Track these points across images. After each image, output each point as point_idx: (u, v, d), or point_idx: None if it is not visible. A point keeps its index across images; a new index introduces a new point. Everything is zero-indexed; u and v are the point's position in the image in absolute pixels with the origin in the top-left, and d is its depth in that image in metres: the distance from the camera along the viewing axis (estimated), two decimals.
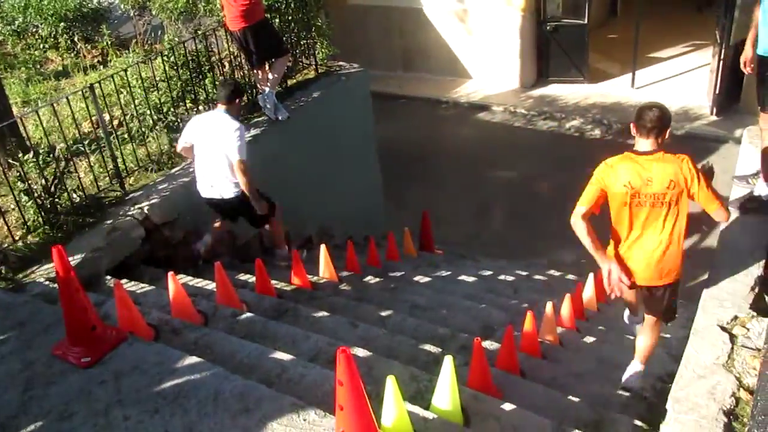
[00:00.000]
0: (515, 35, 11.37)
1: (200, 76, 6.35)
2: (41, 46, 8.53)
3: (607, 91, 11.45)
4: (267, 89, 6.15)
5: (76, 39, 8.34)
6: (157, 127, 5.80)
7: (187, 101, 6.29)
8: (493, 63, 11.92)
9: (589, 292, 5.75)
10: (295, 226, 6.67)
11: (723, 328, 3.40)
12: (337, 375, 2.38)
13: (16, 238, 4.61)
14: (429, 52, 12.44)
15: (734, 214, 4.33)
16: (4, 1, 8.84)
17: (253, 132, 6.10)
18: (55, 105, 5.22)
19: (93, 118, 5.51)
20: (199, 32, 6.53)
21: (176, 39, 6.69)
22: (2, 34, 8.78)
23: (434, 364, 3.53)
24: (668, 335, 5.18)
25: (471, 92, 12.07)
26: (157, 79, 6.08)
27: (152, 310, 4.03)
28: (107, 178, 5.32)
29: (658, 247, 3.39)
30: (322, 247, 5.41)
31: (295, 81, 7.19)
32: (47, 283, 4.27)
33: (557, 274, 7.17)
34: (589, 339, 4.98)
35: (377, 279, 5.69)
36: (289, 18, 7.02)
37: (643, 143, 3.41)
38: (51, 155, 4.82)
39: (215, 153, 4.70)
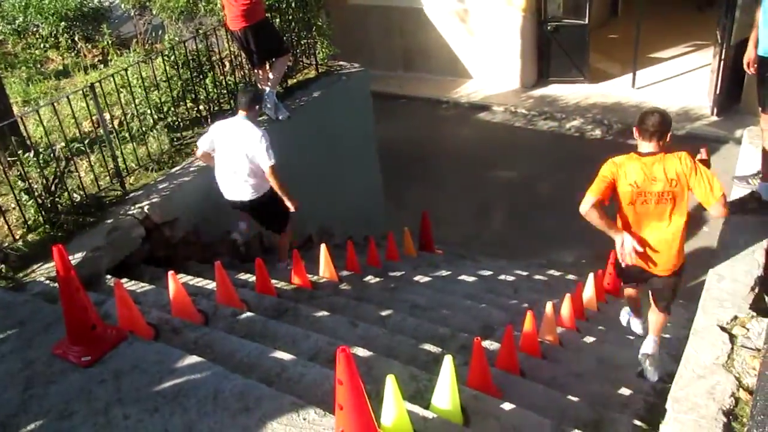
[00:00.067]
0: (516, 35, 11.37)
1: (201, 76, 6.35)
2: (42, 45, 8.53)
3: (607, 91, 11.45)
4: (267, 89, 6.15)
5: (76, 38, 8.34)
6: (157, 127, 5.80)
7: (188, 101, 6.29)
8: (493, 63, 11.92)
9: (589, 292, 5.75)
10: (296, 225, 6.68)
11: (723, 329, 3.40)
12: (337, 374, 2.38)
13: (17, 237, 4.61)
14: (429, 52, 12.44)
15: (734, 214, 4.34)
16: (4, 1, 8.84)
17: None
18: (55, 104, 5.21)
19: (93, 118, 5.52)
20: (200, 32, 6.53)
21: (177, 38, 6.69)
22: (3, 33, 8.78)
23: (434, 364, 3.53)
24: (668, 335, 5.19)
25: (471, 92, 12.07)
26: (158, 78, 6.08)
27: (152, 309, 4.03)
28: (108, 178, 5.32)
29: (665, 240, 3.63)
30: (323, 246, 5.41)
31: (295, 80, 7.19)
32: (48, 282, 4.27)
33: (557, 274, 7.18)
34: (589, 339, 4.98)
35: (377, 279, 5.69)
36: (290, 17, 7.03)
37: (646, 146, 3.64)
38: (51, 154, 4.82)
39: (237, 159, 4.83)
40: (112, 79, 5.75)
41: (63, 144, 5.08)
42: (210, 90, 6.37)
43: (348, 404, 2.43)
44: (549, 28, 11.37)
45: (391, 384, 2.58)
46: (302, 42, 7.31)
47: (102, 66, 7.74)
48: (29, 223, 4.68)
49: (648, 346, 4.15)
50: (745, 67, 4.35)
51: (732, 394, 2.98)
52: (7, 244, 4.55)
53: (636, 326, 4.69)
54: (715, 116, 10.24)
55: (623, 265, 3.81)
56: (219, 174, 5.02)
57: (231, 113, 6.36)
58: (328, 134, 7.01)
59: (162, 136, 5.78)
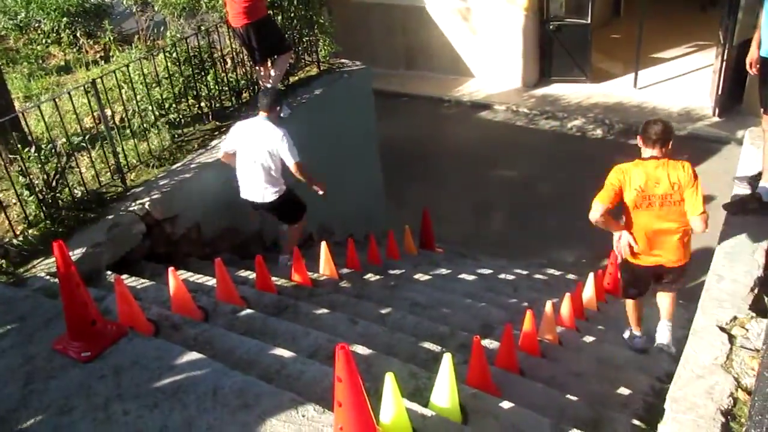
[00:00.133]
0: (518, 34, 11.36)
1: (202, 73, 6.35)
2: (43, 41, 8.53)
3: (609, 91, 11.44)
4: (269, 86, 6.15)
5: (78, 34, 8.34)
6: (158, 123, 5.81)
7: (189, 97, 6.29)
8: (495, 62, 11.91)
9: (589, 291, 5.75)
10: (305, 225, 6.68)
11: (722, 329, 3.41)
12: (336, 371, 2.38)
13: (18, 232, 4.62)
14: (431, 51, 12.43)
15: (734, 214, 4.34)
16: None
17: None
18: (57, 100, 5.22)
19: (95, 114, 5.51)
20: (202, 28, 6.53)
21: (179, 35, 6.69)
22: (5, 28, 8.77)
23: (433, 362, 3.53)
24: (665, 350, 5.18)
25: (473, 91, 12.06)
26: (159, 75, 6.08)
27: (152, 305, 4.04)
28: (108, 174, 5.32)
29: (671, 239, 3.93)
30: (323, 244, 5.42)
31: (297, 78, 7.19)
32: (48, 277, 4.28)
33: (557, 273, 7.18)
34: (589, 338, 4.98)
35: (377, 276, 5.69)
36: (292, 15, 7.02)
37: (650, 152, 3.96)
38: (52, 150, 4.83)
39: (258, 159, 4.94)
40: (113, 75, 5.76)
41: (64, 140, 5.09)
42: (211, 87, 6.37)
43: (347, 401, 2.43)
44: (551, 27, 11.36)
45: (390, 381, 2.59)
46: (304, 39, 7.31)
47: (103, 62, 7.74)
48: (30, 218, 4.68)
49: (664, 335, 4.42)
50: (747, 67, 4.35)
51: (730, 394, 2.98)
52: (7, 239, 4.56)
53: (637, 342, 4.72)
54: (716, 117, 10.24)
55: (618, 257, 4.16)
56: (239, 174, 5.12)
57: (233, 110, 6.39)
58: (330, 132, 7.01)
59: (163, 133, 5.79)
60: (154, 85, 6.04)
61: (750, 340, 3.31)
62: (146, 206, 5.01)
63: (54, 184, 4.74)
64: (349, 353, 2.36)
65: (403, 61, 12.84)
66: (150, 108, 5.87)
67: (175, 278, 3.92)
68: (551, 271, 7.25)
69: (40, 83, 7.29)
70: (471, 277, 6.37)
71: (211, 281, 4.66)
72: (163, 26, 7.95)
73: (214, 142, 5.91)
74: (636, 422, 3.47)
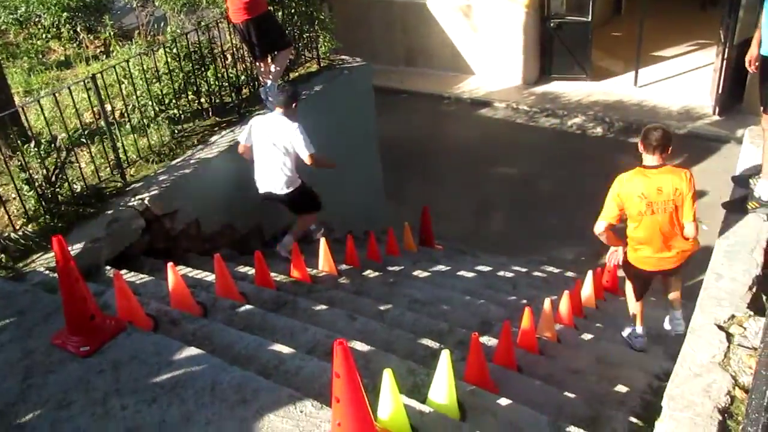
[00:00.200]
0: (518, 32, 11.35)
1: (202, 68, 6.34)
2: (44, 35, 8.51)
3: (609, 89, 11.44)
4: (269, 82, 6.15)
5: (78, 29, 8.33)
6: (158, 119, 5.80)
7: (189, 93, 6.29)
8: (495, 59, 11.90)
9: (587, 289, 5.75)
10: (295, 219, 6.68)
11: (720, 327, 3.41)
12: (334, 367, 2.38)
13: (17, 227, 4.62)
14: (432, 48, 12.42)
15: (733, 213, 4.34)
16: None
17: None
18: (56, 95, 5.21)
19: (95, 109, 5.51)
20: (202, 24, 6.53)
21: (179, 30, 6.68)
22: (5, 23, 8.76)
23: (432, 359, 3.54)
24: (672, 330, 5.18)
25: (473, 88, 12.06)
26: (159, 70, 6.08)
27: (151, 300, 4.04)
28: (108, 169, 5.32)
29: (675, 242, 4.14)
30: (322, 240, 5.42)
31: (297, 74, 7.18)
32: (47, 272, 4.28)
33: (556, 271, 7.19)
34: (587, 336, 4.99)
35: (376, 273, 5.69)
36: (292, 11, 7.02)
37: (650, 159, 4.08)
38: (52, 145, 4.83)
39: (273, 153, 5.19)
40: (113, 70, 5.75)
41: (64, 135, 5.08)
42: (212, 83, 6.36)
43: (345, 397, 2.43)
44: (552, 24, 11.35)
45: (388, 378, 2.59)
46: (304, 35, 7.30)
47: (104, 57, 7.73)
48: (29, 213, 4.68)
49: (678, 324, 4.67)
50: (746, 65, 4.35)
51: (728, 392, 2.99)
52: (7, 234, 4.56)
53: (639, 342, 4.78)
54: (717, 116, 10.24)
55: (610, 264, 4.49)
56: (256, 167, 5.36)
57: (233, 106, 6.38)
58: (330, 128, 7.00)
59: (163, 128, 5.79)
60: (154, 80, 6.04)
61: (748, 338, 3.31)
62: (146, 201, 5.01)
63: (53, 179, 4.74)
64: (348, 349, 2.36)
65: (403, 57, 12.82)
66: (150, 103, 5.86)
67: (174, 273, 3.93)
68: (550, 268, 7.26)
69: (40, 78, 7.28)
70: (470, 274, 6.37)
71: (210, 277, 4.66)
72: (163, 22, 7.94)
73: (213, 138, 5.91)
74: (633, 420, 3.47)
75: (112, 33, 7.65)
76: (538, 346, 4.34)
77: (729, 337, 3.34)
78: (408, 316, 4.54)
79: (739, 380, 3.05)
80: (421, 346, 3.91)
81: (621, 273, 6.18)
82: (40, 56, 8.13)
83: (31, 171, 4.66)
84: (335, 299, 4.71)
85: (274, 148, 5.18)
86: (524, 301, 5.30)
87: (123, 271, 4.46)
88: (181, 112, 6.05)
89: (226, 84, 6.53)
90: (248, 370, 3.14)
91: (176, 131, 5.90)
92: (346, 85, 7.22)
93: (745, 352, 3.22)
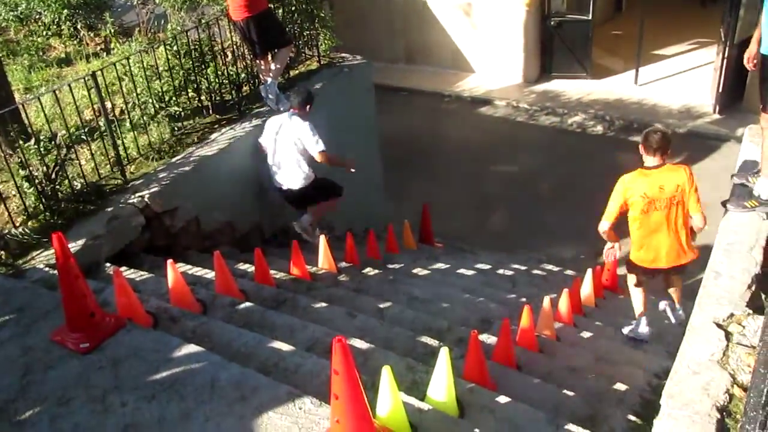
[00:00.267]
0: (519, 30, 11.34)
1: (203, 66, 6.34)
2: (44, 33, 8.51)
3: (610, 87, 11.43)
4: (269, 79, 6.15)
5: (79, 26, 8.32)
6: (158, 116, 5.80)
7: (189, 90, 6.29)
8: (496, 57, 11.89)
9: (587, 287, 5.76)
10: (296, 216, 6.68)
11: (719, 326, 3.41)
12: (333, 364, 2.39)
13: (17, 224, 4.63)
14: (432, 46, 12.41)
15: (733, 212, 4.34)
16: None
17: (254, 122, 6.10)
18: (57, 92, 5.21)
19: (95, 106, 5.51)
20: (202, 21, 6.52)
21: (179, 28, 6.68)
22: (5, 20, 8.75)
23: (431, 356, 3.54)
24: (675, 320, 5.17)
25: (474, 86, 12.05)
26: (160, 67, 6.07)
27: (151, 297, 4.05)
28: (108, 166, 5.32)
29: (675, 237, 4.30)
30: (322, 237, 5.43)
31: (297, 72, 7.18)
32: (47, 269, 4.28)
33: (556, 269, 7.19)
34: (586, 334, 4.99)
35: (376, 271, 5.70)
36: (293, 8, 7.01)
37: (651, 160, 4.27)
38: (52, 142, 4.83)
39: (287, 151, 5.51)
40: (114, 67, 5.75)
41: (64, 132, 5.09)
42: (212, 80, 6.36)
43: (343, 394, 2.44)
44: (552, 23, 11.34)
45: (387, 375, 2.59)
46: (305, 33, 7.29)
47: (104, 54, 7.73)
48: (29, 210, 4.69)
49: (679, 315, 4.90)
50: (745, 62, 4.35)
51: (726, 390, 2.99)
52: (7, 230, 4.56)
53: (643, 327, 4.86)
54: (717, 114, 10.23)
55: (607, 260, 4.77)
56: (271, 165, 5.67)
57: (233, 103, 6.38)
58: (330, 126, 6.98)
59: (163, 126, 5.79)
60: (154, 77, 6.03)
61: (746, 336, 3.32)
62: (146, 199, 5.01)
63: (54, 176, 4.74)
64: (346, 346, 2.36)
65: (404, 55, 12.82)
66: (150, 101, 5.86)
67: (174, 271, 3.93)
68: (550, 266, 7.26)
69: (40, 75, 7.28)
70: (470, 272, 6.38)
71: (210, 274, 4.67)
72: (163, 19, 7.93)
73: (214, 135, 5.91)
74: (632, 418, 3.48)
75: (112, 30, 7.63)
76: (537, 344, 4.35)
77: (728, 335, 3.34)
78: (407, 314, 4.54)
79: (737, 378, 3.05)
80: (421, 344, 3.92)
81: (620, 271, 6.20)
82: (41, 53, 8.13)
83: (31, 168, 4.66)
84: (335, 297, 4.72)
85: (287, 146, 5.48)
86: (524, 299, 5.30)
87: (123, 269, 4.46)
88: (181, 109, 6.04)
89: (227, 81, 6.53)
90: (247, 367, 3.15)
91: (176, 129, 5.90)
92: (346, 83, 7.22)
93: (744, 351, 3.22)
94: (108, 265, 4.64)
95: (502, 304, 5.31)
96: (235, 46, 6.73)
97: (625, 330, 4.96)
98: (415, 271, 6.11)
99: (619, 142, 9.92)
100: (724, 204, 4.52)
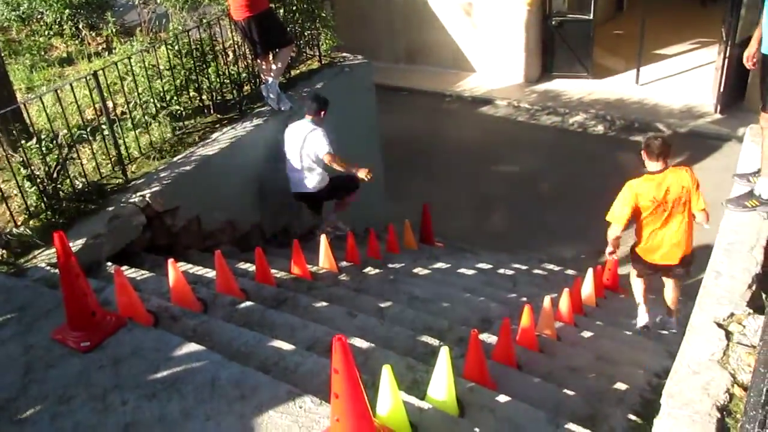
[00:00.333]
0: (520, 30, 11.34)
1: (204, 65, 6.35)
2: (46, 32, 8.53)
3: (611, 87, 11.42)
4: (270, 79, 6.16)
5: (80, 26, 8.34)
6: (160, 116, 5.81)
7: (191, 90, 6.29)
8: (497, 57, 11.89)
9: (587, 287, 5.76)
10: (296, 216, 6.69)
11: (719, 325, 3.41)
12: (333, 363, 2.39)
13: (19, 223, 4.64)
14: (433, 45, 12.41)
15: (733, 212, 4.34)
16: None
17: (255, 122, 6.11)
18: (58, 91, 5.23)
19: (96, 105, 5.52)
20: (204, 21, 6.53)
21: (180, 27, 6.69)
22: (7, 20, 8.77)
23: (431, 356, 3.54)
24: (665, 332, 5.20)
25: (475, 86, 12.05)
26: (161, 67, 6.08)
27: (152, 296, 4.05)
28: (109, 165, 5.33)
29: (680, 235, 4.55)
30: (323, 237, 5.43)
31: (298, 71, 7.19)
32: (48, 268, 4.29)
33: (557, 268, 7.19)
34: (587, 334, 4.99)
35: (377, 270, 5.71)
36: (294, 8, 7.02)
37: (654, 165, 4.50)
38: (54, 141, 4.84)
39: (303, 154, 5.71)
40: (115, 67, 5.76)
41: (65, 131, 5.09)
42: (213, 80, 6.37)
43: (344, 393, 2.44)
44: (553, 22, 11.34)
45: (387, 374, 2.60)
46: (306, 33, 7.30)
47: (106, 54, 7.74)
48: (31, 209, 4.70)
49: (670, 327, 5.11)
50: (744, 61, 4.35)
51: (726, 390, 2.99)
52: (8, 229, 4.57)
53: (642, 312, 5.10)
54: (718, 114, 10.21)
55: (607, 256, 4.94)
56: (288, 170, 5.87)
57: (234, 103, 6.39)
58: (331, 126, 7.01)
59: (164, 125, 5.80)
60: (155, 77, 6.04)
61: (747, 336, 3.31)
62: (147, 198, 5.02)
63: (55, 175, 4.75)
64: (346, 345, 2.37)
65: (405, 55, 12.82)
66: (151, 100, 5.87)
67: (175, 270, 3.94)
68: (551, 266, 7.26)
69: (42, 75, 7.30)
70: (470, 272, 6.38)
71: (211, 273, 4.68)
72: (165, 18, 7.95)
73: (215, 135, 5.92)
74: (632, 417, 3.48)
75: (114, 30, 7.65)
76: (537, 343, 4.35)
77: (728, 335, 3.34)
78: (408, 313, 4.55)
79: (737, 378, 3.05)
80: (421, 343, 3.92)
81: (621, 271, 6.21)
82: (43, 53, 8.14)
83: (33, 167, 4.67)
84: (335, 296, 4.72)
85: (303, 151, 5.68)
86: (524, 299, 5.30)
87: (124, 268, 4.46)
88: (182, 108, 6.06)
89: (228, 81, 6.54)
90: (248, 366, 3.16)
91: (177, 128, 5.91)
92: (347, 83, 7.22)
93: (744, 350, 3.22)
94: (109, 264, 4.65)
95: (503, 304, 5.31)
96: (236, 46, 6.74)
97: (634, 323, 5.17)
98: (415, 270, 6.11)
99: (620, 142, 9.91)
100: (725, 204, 4.52)
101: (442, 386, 2.97)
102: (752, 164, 4.80)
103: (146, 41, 7.33)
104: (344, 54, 7.65)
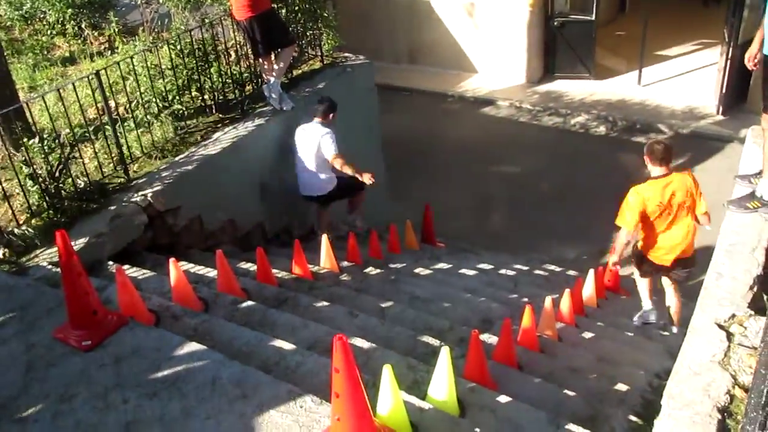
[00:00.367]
0: (522, 30, 11.33)
1: (206, 65, 6.36)
2: (49, 32, 8.54)
3: (613, 88, 11.41)
4: (272, 79, 6.16)
5: (83, 26, 8.35)
6: (162, 115, 5.82)
7: (193, 90, 6.31)
8: (499, 58, 11.89)
9: (589, 288, 5.75)
10: (298, 216, 6.70)
11: (720, 326, 3.40)
12: (334, 362, 2.39)
13: (20, 222, 4.65)
14: (435, 46, 12.41)
15: (735, 213, 4.34)
16: None
17: (257, 122, 6.12)
18: (61, 91, 5.24)
19: (98, 105, 5.53)
20: (206, 21, 6.54)
21: (183, 27, 6.70)
22: (10, 19, 8.79)
23: (432, 356, 3.54)
24: (667, 333, 5.20)
25: (477, 86, 12.05)
26: (163, 67, 6.09)
27: (153, 295, 4.06)
28: (111, 165, 5.34)
29: (684, 236, 4.72)
30: (324, 237, 5.43)
31: (300, 71, 7.19)
32: (50, 267, 4.30)
33: (558, 269, 7.18)
34: (588, 335, 4.99)
35: (378, 270, 5.71)
36: (296, 8, 7.03)
37: (657, 170, 4.66)
38: (56, 141, 4.85)
39: (311, 156, 5.85)
40: (117, 66, 5.76)
41: (68, 130, 5.10)
42: (215, 79, 6.38)
43: (344, 392, 2.45)
44: (556, 23, 11.33)
45: (387, 373, 2.60)
46: (308, 33, 7.31)
47: (108, 53, 7.76)
48: (33, 208, 4.71)
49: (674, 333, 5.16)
50: (745, 61, 4.34)
51: (727, 391, 2.99)
52: (10, 228, 4.58)
53: (648, 307, 5.26)
54: (720, 115, 10.20)
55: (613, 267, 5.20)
56: (298, 171, 6.02)
57: (236, 102, 6.40)
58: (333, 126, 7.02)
59: (166, 125, 5.80)
60: (157, 77, 6.05)
61: (748, 337, 3.31)
62: (148, 197, 5.03)
63: (57, 174, 4.76)
64: (347, 344, 2.37)
65: (407, 55, 12.82)
66: (153, 100, 5.88)
67: (176, 269, 3.94)
68: (552, 267, 7.25)
69: (44, 74, 7.31)
70: (471, 272, 6.38)
71: (212, 273, 4.68)
72: (167, 18, 7.96)
73: (216, 135, 5.92)
74: (633, 418, 3.48)
75: (116, 29, 7.66)
76: (538, 344, 4.34)
77: (729, 336, 3.34)
78: (409, 314, 4.55)
79: (738, 379, 3.04)
80: (422, 343, 3.92)
81: (623, 272, 6.20)
82: (45, 52, 8.15)
83: (35, 166, 4.68)
84: (336, 296, 4.73)
85: (312, 154, 5.81)
86: (525, 300, 5.30)
87: (125, 267, 4.46)
88: (184, 108, 6.07)
89: (230, 81, 6.55)
90: (249, 365, 3.16)
91: (179, 128, 5.92)
92: (348, 83, 7.23)
93: (745, 352, 3.22)
94: (111, 263, 4.66)
95: (504, 304, 5.31)
96: (238, 46, 6.75)
97: (635, 319, 5.27)
98: (416, 270, 6.11)
99: (622, 143, 9.90)
100: (726, 205, 4.52)
101: (442, 386, 2.97)
102: (754, 165, 4.79)
103: (148, 41, 7.33)
104: (346, 54, 7.65)
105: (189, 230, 5.49)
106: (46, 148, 4.71)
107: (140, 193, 5.06)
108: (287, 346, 3.42)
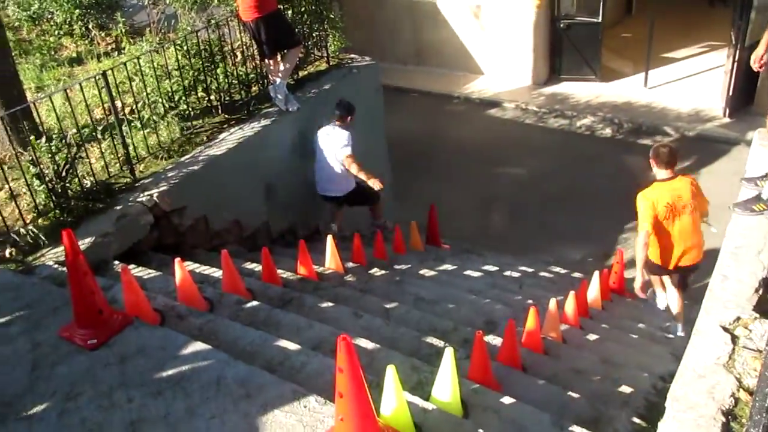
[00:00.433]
0: (528, 32, 11.32)
1: (212, 66, 6.38)
2: (56, 32, 8.59)
3: (619, 90, 11.38)
4: (278, 80, 6.18)
5: (90, 26, 8.39)
6: (168, 116, 5.84)
7: (199, 90, 6.33)
8: (505, 59, 11.88)
9: (594, 290, 5.74)
10: (303, 216, 6.72)
11: (725, 329, 3.39)
12: (338, 362, 2.40)
13: (27, 221, 4.67)
14: (441, 47, 12.41)
15: (741, 215, 4.33)
16: None
17: (263, 122, 6.14)
18: (68, 91, 5.26)
19: (105, 105, 5.56)
20: (212, 22, 6.56)
21: (189, 28, 6.73)
22: (18, 19, 8.85)
23: (436, 357, 3.54)
24: (671, 335, 5.19)
25: (482, 88, 12.04)
26: (170, 67, 6.12)
27: (158, 295, 4.07)
28: (118, 165, 5.37)
29: (693, 237, 4.83)
30: (329, 238, 5.44)
31: (306, 73, 7.21)
32: (56, 266, 4.32)
33: (563, 271, 7.17)
34: (592, 337, 4.98)
35: (383, 271, 5.71)
36: (302, 9, 7.04)
37: (663, 173, 4.80)
38: (63, 141, 4.87)
39: (330, 158, 6.03)
40: (124, 67, 5.79)
41: (74, 130, 5.13)
42: (221, 80, 6.40)
43: (348, 392, 2.45)
44: (562, 25, 11.31)
45: (391, 374, 2.60)
46: (314, 34, 7.32)
47: (115, 54, 7.79)
48: (39, 207, 4.73)
49: (676, 332, 5.24)
50: (751, 63, 4.34)
51: (732, 394, 2.98)
52: (17, 228, 4.61)
53: (661, 300, 5.46)
54: (727, 118, 10.16)
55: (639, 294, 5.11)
56: (317, 172, 6.21)
57: (242, 103, 6.42)
58: None
59: (173, 125, 5.82)
60: (164, 77, 6.08)
61: (753, 340, 3.30)
62: (154, 197, 5.05)
63: (64, 174, 4.78)
64: (351, 344, 2.37)
65: (413, 57, 12.82)
66: (160, 100, 5.90)
67: (182, 269, 3.96)
68: (557, 269, 7.24)
69: (51, 74, 7.35)
70: (476, 274, 6.37)
71: (218, 273, 4.70)
72: (174, 19, 7.99)
73: (222, 135, 5.94)
74: (637, 420, 3.47)
75: (123, 30, 7.70)
76: (543, 345, 4.34)
77: (734, 339, 3.33)
78: (413, 314, 4.55)
79: (743, 382, 3.04)
80: (426, 344, 3.92)
81: (627, 275, 6.19)
82: (52, 53, 8.19)
83: (42, 166, 4.70)
84: (341, 296, 4.73)
85: (330, 155, 5.99)
86: (530, 301, 5.29)
87: (131, 266, 4.49)
88: (190, 109, 6.09)
89: (236, 82, 6.57)
90: (253, 365, 3.17)
91: (185, 128, 5.94)
92: (354, 84, 7.24)
93: (750, 354, 3.21)
94: (116, 262, 4.68)
95: (508, 306, 5.30)
96: (244, 47, 6.77)
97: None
98: (421, 272, 6.11)
99: (627, 145, 9.88)
100: (732, 207, 4.51)
101: (446, 387, 2.97)
102: (760, 168, 4.78)
103: (155, 42, 7.36)
104: (352, 55, 7.67)
105: (194, 230, 5.51)
106: (53, 147, 4.73)
107: (146, 193, 5.08)
108: (292, 346, 3.42)
